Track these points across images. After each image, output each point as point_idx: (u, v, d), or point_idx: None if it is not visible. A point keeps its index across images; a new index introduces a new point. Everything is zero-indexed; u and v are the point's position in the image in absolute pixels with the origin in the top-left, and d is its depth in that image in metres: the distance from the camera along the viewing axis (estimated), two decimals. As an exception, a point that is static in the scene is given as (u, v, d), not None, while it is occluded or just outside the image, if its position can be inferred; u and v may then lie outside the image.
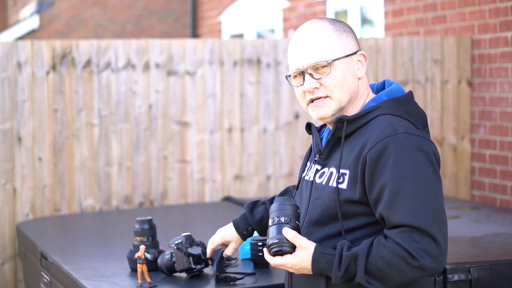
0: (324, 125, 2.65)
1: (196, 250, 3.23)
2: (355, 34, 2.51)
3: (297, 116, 5.72)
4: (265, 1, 9.76)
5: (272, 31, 9.69)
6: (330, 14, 8.19)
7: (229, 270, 3.34)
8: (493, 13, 5.82)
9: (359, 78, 2.47)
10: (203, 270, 3.29)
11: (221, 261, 3.23)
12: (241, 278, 3.19)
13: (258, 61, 5.63)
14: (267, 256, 2.39)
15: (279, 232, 2.34)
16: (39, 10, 12.16)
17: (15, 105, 5.13)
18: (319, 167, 2.51)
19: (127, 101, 5.37)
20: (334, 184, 2.40)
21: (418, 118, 2.45)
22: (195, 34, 11.80)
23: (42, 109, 5.18)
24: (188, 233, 3.27)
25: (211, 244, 3.07)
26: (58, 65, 5.21)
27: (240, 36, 10.53)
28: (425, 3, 6.56)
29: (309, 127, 2.61)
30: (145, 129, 5.41)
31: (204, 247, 3.27)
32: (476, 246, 3.87)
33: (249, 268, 3.40)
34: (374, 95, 2.53)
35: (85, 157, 5.27)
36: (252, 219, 2.97)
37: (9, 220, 5.12)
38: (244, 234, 3.01)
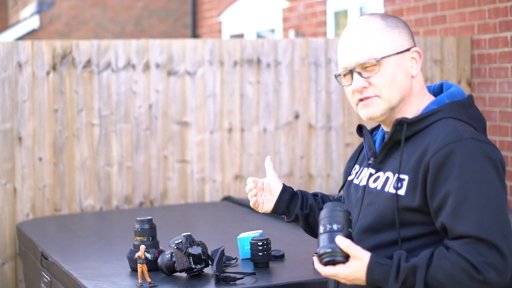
0: (376, 128, 2.53)
1: (196, 250, 3.23)
2: (409, 30, 2.39)
3: (297, 116, 5.73)
4: (265, 1, 9.76)
5: (272, 31, 9.70)
6: (330, 14, 8.20)
7: (229, 270, 3.34)
8: (493, 13, 5.83)
9: (412, 76, 2.34)
10: (203, 270, 3.29)
11: (221, 261, 3.24)
12: (241, 278, 3.19)
13: (258, 61, 5.64)
14: (318, 266, 2.23)
15: (332, 240, 2.19)
16: (40, 10, 12.16)
17: (16, 105, 5.13)
18: (373, 171, 2.38)
19: (127, 101, 5.37)
20: (391, 190, 2.27)
21: (479, 123, 2.33)
22: (195, 34, 11.80)
23: (43, 109, 5.18)
24: (188, 233, 3.28)
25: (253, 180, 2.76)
26: (58, 65, 5.22)
27: (240, 36, 10.54)
28: (424, 3, 6.57)
29: (360, 129, 2.48)
30: (145, 129, 5.41)
31: (204, 247, 3.28)
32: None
33: (249, 268, 3.40)
34: (432, 97, 2.40)
35: (85, 157, 5.28)
36: (303, 208, 2.73)
37: (10, 220, 5.12)
38: (285, 204, 2.74)
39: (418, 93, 2.37)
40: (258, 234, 3.59)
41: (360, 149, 2.55)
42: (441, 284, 2.13)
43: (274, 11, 9.44)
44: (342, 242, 2.18)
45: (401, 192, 2.25)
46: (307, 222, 2.74)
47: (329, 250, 2.19)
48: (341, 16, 8.21)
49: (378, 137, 2.47)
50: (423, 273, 2.13)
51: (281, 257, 3.57)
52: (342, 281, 2.23)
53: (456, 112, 2.30)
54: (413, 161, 2.24)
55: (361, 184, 2.42)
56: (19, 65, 5.14)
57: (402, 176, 2.26)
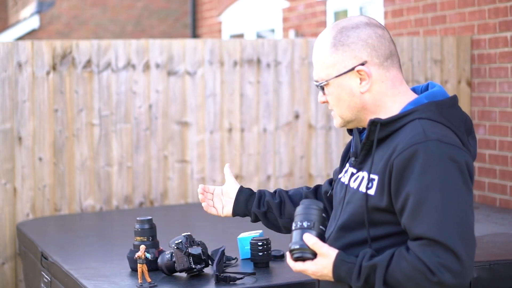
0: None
1: (196, 250, 3.23)
2: (365, 43, 2.33)
3: (297, 116, 5.73)
4: (265, 1, 9.76)
5: (272, 31, 9.70)
6: (330, 14, 8.20)
7: (229, 270, 3.34)
8: (493, 13, 5.83)
9: (362, 93, 2.34)
10: (203, 270, 3.29)
11: (221, 261, 3.24)
12: (241, 278, 3.20)
13: (258, 61, 5.64)
14: (289, 261, 2.31)
15: (301, 237, 2.27)
16: (40, 10, 12.17)
17: (16, 105, 5.13)
18: (354, 170, 2.42)
19: (127, 101, 5.38)
20: (363, 189, 2.31)
21: (460, 124, 2.31)
22: (195, 34, 11.81)
23: (43, 109, 5.19)
24: (188, 233, 3.28)
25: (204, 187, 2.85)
26: (58, 65, 5.22)
27: (240, 36, 10.54)
28: (424, 3, 6.57)
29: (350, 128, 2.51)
30: (145, 129, 5.42)
31: (204, 247, 3.28)
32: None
33: (249, 268, 3.40)
34: (414, 96, 2.39)
35: (85, 157, 5.28)
36: (258, 209, 2.81)
37: (10, 220, 5.12)
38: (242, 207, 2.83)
39: (382, 102, 2.35)
40: (258, 234, 3.60)
41: (349, 147, 2.58)
42: (399, 284, 2.17)
43: (274, 11, 9.45)
44: (309, 239, 2.26)
45: (371, 192, 2.28)
46: (267, 219, 2.83)
47: (298, 246, 2.27)
48: (341, 16, 8.21)
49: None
50: (383, 272, 2.17)
51: (281, 257, 3.57)
52: (312, 276, 2.30)
53: (432, 113, 2.29)
54: (383, 162, 2.26)
55: (345, 183, 2.46)
56: (19, 65, 5.14)
57: (372, 176, 2.29)
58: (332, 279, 2.28)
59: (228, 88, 5.59)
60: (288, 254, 2.32)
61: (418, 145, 2.19)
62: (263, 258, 3.44)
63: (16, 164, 5.14)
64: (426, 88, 2.44)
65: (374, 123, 2.31)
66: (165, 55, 5.45)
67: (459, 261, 2.12)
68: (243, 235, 3.57)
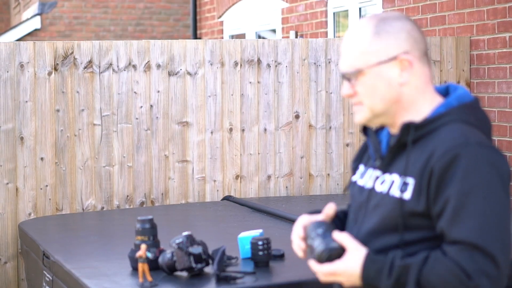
0: (380, 127, 2.44)
1: (196, 250, 3.24)
2: (408, 33, 2.27)
3: (297, 116, 5.75)
4: (265, 2, 9.78)
5: (274, 31, 9.72)
6: (330, 14, 8.22)
7: (229, 269, 3.35)
8: (492, 14, 5.86)
9: (401, 84, 2.27)
10: (204, 269, 3.30)
11: (222, 260, 3.25)
12: (241, 277, 3.21)
13: (259, 62, 5.67)
14: (316, 267, 2.24)
15: (324, 241, 2.22)
16: (41, 11, 12.19)
17: (18, 105, 5.16)
18: (379, 173, 2.34)
19: (128, 102, 5.40)
20: (396, 193, 2.24)
21: (485, 126, 2.28)
22: (196, 35, 11.82)
23: (44, 109, 5.21)
24: (189, 233, 3.29)
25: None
26: (60, 66, 5.25)
27: (241, 36, 10.56)
28: (424, 4, 6.59)
29: (364, 129, 2.43)
30: (146, 129, 5.44)
31: (205, 247, 3.29)
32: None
33: (249, 267, 3.41)
34: (439, 98, 2.33)
35: (86, 157, 5.30)
36: None
37: (12, 220, 5.15)
38: None
39: (415, 98, 2.30)
40: (258, 233, 3.60)
41: (364, 148, 2.52)
42: (433, 287, 2.12)
43: (275, 11, 9.47)
44: (339, 234, 2.22)
45: (407, 196, 2.21)
46: None
47: (323, 247, 2.22)
48: (341, 16, 8.23)
49: (384, 137, 2.42)
50: (416, 273, 2.13)
51: (281, 257, 3.58)
52: (339, 278, 2.22)
53: (465, 115, 2.26)
54: (420, 165, 2.21)
55: (366, 186, 2.38)
56: (21, 66, 5.16)
57: (407, 179, 2.23)
58: (359, 281, 2.21)
59: (229, 89, 5.61)
60: (312, 262, 2.25)
61: (460, 149, 2.15)
62: (263, 258, 3.44)
63: (18, 164, 5.16)
64: (446, 89, 2.39)
65: (408, 126, 2.25)
66: (166, 56, 5.48)
67: (497, 268, 2.09)
68: (243, 234, 3.58)
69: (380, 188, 2.31)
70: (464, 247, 2.10)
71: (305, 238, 2.31)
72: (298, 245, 2.38)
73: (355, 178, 2.46)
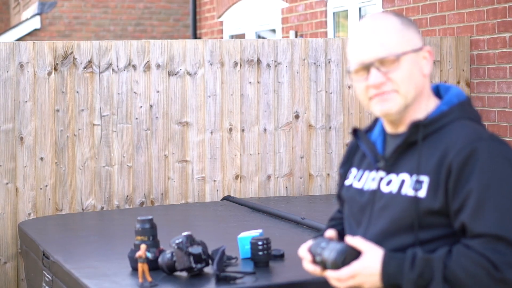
0: (367, 130, 2.47)
1: (196, 250, 3.24)
2: (419, 30, 2.38)
3: (297, 116, 5.75)
4: (265, 2, 9.79)
5: (273, 31, 9.72)
6: (330, 14, 8.22)
7: (229, 269, 3.35)
8: (492, 14, 5.86)
9: (424, 75, 2.31)
10: (204, 269, 3.30)
11: (221, 260, 3.26)
12: (241, 278, 3.21)
13: (259, 62, 5.67)
14: (333, 274, 2.22)
15: (336, 247, 2.22)
16: (41, 11, 12.19)
17: (17, 105, 5.16)
18: (383, 174, 2.33)
19: (128, 102, 5.40)
20: (409, 192, 2.23)
21: (482, 123, 2.36)
22: (196, 35, 11.82)
23: (44, 109, 5.21)
24: (189, 233, 3.29)
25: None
26: (59, 66, 5.25)
27: (241, 36, 10.56)
28: (424, 4, 6.59)
29: (355, 132, 2.43)
30: (146, 129, 5.44)
31: (204, 247, 3.29)
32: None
33: (249, 267, 3.41)
34: (436, 97, 2.37)
35: (86, 157, 5.30)
36: None
37: (11, 220, 5.15)
38: None
39: (428, 92, 2.34)
40: (258, 233, 3.60)
41: (352, 152, 2.50)
42: (459, 281, 2.12)
43: (274, 11, 9.47)
44: (352, 239, 2.22)
45: (421, 193, 2.21)
46: None
47: (336, 252, 2.20)
48: (341, 17, 8.23)
49: (378, 139, 2.41)
50: (441, 266, 2.13)
51: (281, 257, 3.58)
52: (360, 280, 2.20)
53: (468, 112, 2.31)
54: (433, 162, 2.22)
55: (366, 188, 2.36)
56: (21, 66, 5.16)
57: (421, 177, 2.23)
58: (379, 281, 2.19)
59: (229, 89, 5.62)
60: (330, 273, 2.23)
61: (477, 144, 2.18)
62: (263, 258, 3.44)
63: (17, 164, 5.16)
64: (436, 88, 2.41)
65: (416, 125, 2.27)
66: (166, 56, 5.48)
67: None
68: (243, 234, 3.58)
69: (387, 188, 2.30)
70: (488, 239, 2.11)
71: (314, 260, 2.28)
72: (314, 270, 2.33)
73: (348, 182, 2.44)
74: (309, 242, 2.34)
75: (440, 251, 2.16)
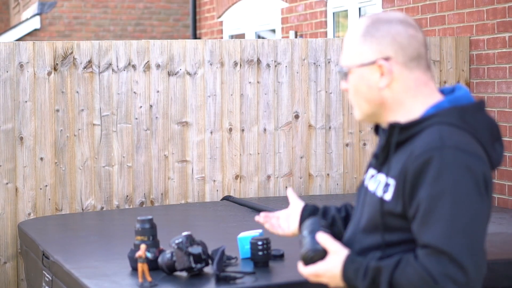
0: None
1: (196, 250, 3.24)
2: (393, 39, 2.26)
3: (297, 116, 5.75)
4: (265, 2, 9.79)
5: (273, 31, 9.73)
6: (330, 14, 8.22)
7: (229, 269, 3.36)
8: (491, 14, 5.86)
9: (379, 89, 2.27)
10: (203, 269, 3.31)
11: (221, 260, 3.26)
12: (241, 277, 3.21)
13: (258, 62, 5.67)
14: (301, 268, 2.31)
15: (311, 242, 2.29)
16: (41, 11, 12.19)
17: (17, 105, 5.16)
18: (374, 172, 2.37)
19: (128, 102, 5.40)
20: (379, 193, 2.27)
21: (484, 130, 2.23)
22: (195, 35, 11.83)
23: (44, 109, 5.21)
24: (189, 233, 3.29)
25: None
26: (59, 66, 5.25)
27: (241, 36, 10.57)
28: (423, 4, 6.59)
29: (376, 127, 2.42)
30: (146, 129, 5.44)
31: (204, 247, 3.29)
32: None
33: (249, 267, 3.41)
34: (437, 99, 2.30)
35: (86, 157, 5.30)
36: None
37: (11, 220, 5.15)
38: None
39: (402, 101, 2.28)
40: (258, 233, 3.61)
41: None
42: None
43: (274, 11, 9.47)
44: (321, 236, 2.28)
45: (387, 196, 2.23)
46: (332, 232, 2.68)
47: (309, 247, 2.29)
48: (340, 17, 8.23)
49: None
50: (388, 275, 2.15)
51: (281, 257, 3.59)
52: (324, 280, 2.28)
53: (454, 118, 2.21)
54: (399, 167, 2.21)
55: (365, 184, 2.41)
56: (21, 66, 5.16)
57: (389, 180, 2.24)
58: (341, 282, 2.25)
59: (228, 89, 5.62)
60: (300, 265, 2.31)
61: (434, 152, 2.13)
62: (263, 258, 3.44)
63: (17, 164, 5.16)
64: (452, 90, 2.35)
65: (393, 126, 2.26)
66: (166, 56, 5.48)
67: (464, 273, 2.07)
68: (243, 234, 3.58)
69: (372, 187, 2.35)
70: (431, 251, 2.11)
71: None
72: (270, 222, 2.60)
73: (365, 176, 2.49)
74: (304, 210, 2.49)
75: (393, 258, 2.18)
